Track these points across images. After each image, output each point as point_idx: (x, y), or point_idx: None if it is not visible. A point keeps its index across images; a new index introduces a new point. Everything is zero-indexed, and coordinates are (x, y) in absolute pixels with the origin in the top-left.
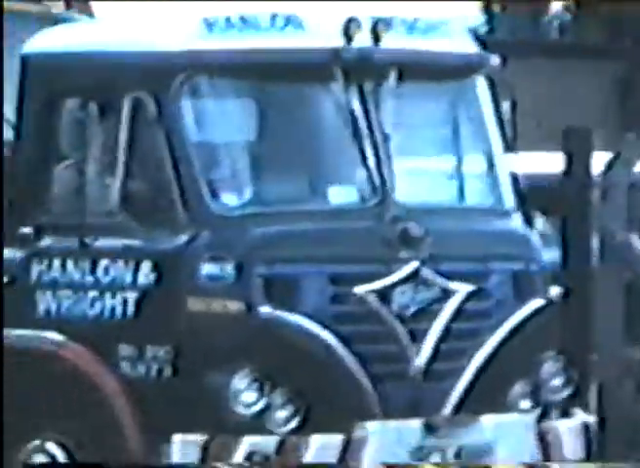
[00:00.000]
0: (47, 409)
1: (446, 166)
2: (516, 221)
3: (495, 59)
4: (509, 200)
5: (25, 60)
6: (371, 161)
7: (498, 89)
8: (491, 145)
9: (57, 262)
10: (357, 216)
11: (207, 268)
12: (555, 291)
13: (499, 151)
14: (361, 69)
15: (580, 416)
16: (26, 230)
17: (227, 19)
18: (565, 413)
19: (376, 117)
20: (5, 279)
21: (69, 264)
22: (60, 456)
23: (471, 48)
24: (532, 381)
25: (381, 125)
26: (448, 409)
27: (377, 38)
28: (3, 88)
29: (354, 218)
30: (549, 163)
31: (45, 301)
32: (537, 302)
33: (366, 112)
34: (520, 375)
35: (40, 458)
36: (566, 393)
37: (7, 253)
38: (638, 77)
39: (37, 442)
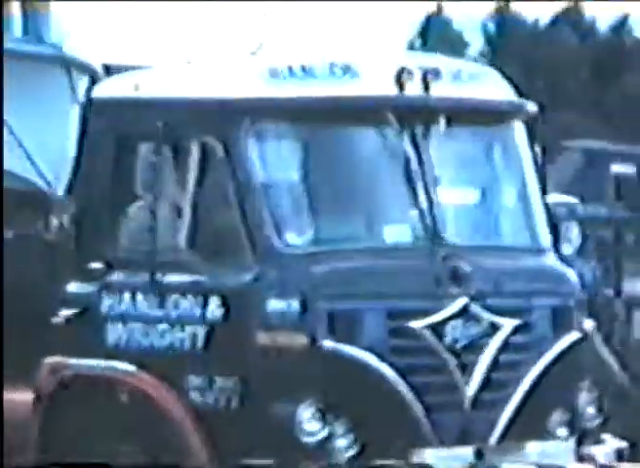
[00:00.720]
0: (117, 436)
1: (487, 206)
2: (552, 259)
3: (531, 106)
4: (545, 239)
5: (97, 104)
6: (422, 202)
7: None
8: (527, 186)
9: (127, 296)
10: (410, 255)
11: (273, 304)
12: (589, 324)
13: (535, 192)
14: (413, 115)
15: (612, 443)
16: (97, 265)
17: (289, 68)
18: (597, 441)
19: (426, 160)
20: (75, 310)
21: (139, 298)
22: None
23: (510, 95)
24: (569, 410)
25: (432, 167)
26: (495, 437)
27: (426, 86)
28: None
29: (408, 257)
30: None
31: (115, 333)
32: (573, 335)
33: (417, 155)
34: (558, 404)
35: None
36: (598, 421)
37: (77, 286)
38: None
39: None
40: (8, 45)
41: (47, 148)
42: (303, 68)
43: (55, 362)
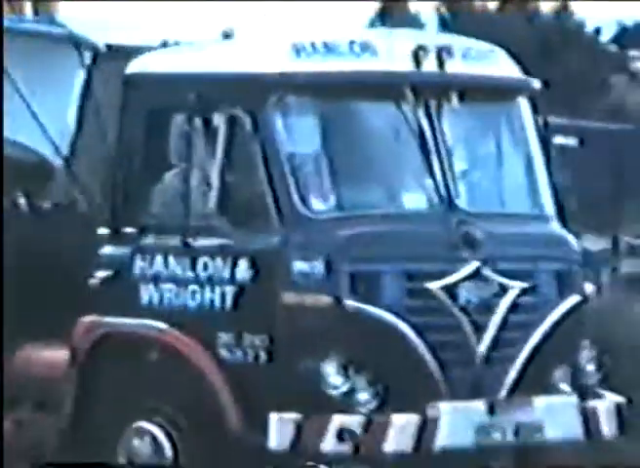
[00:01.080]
0: (149, 391)
1: (496, 176)
2: (555, 226)
3: (536, 83)
4: (549, 207)
5: (131, 80)
6: (437, 171)
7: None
8: (533, 158)
9: (159, 259)
10: (426, 221)
11: (299, 266)
12: (589, 287)
13: (539, 163)
14: (428, 91)
15: (611, 397)
16: (130, 230)
17: (312, 45)
18: (597, 395)
19: (440, 133)
20: (108, 272)
21: (171, 261)
22: (162, 437)
23: (516, 72)
24: (571, 367)
25: (445, 140)
26: (504, 392)
27: (441, 64)
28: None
29: (424, 222)
30: None
31: (147, 293)
32: (575, 298)
33: (432, 128)
34: (561, 362)
35: (142, 440)
36: (598, 377)
37: (110, 249)
38: None
39: (140, 423)
40: (25, 25)
41: (60, 121)
42: (325, 45)
43: (90, 321)
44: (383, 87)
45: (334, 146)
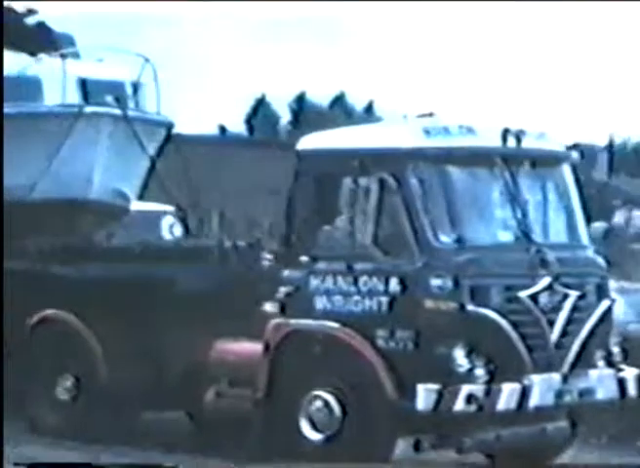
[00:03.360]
0: (323, 370)
1: (554, 218)
2: (591, 252)
3: (575, 154)
4: (585, 239)
5: (303, 153)
6: (519, 216)
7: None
8: (574, 207)
9: (329, 278)
10: (515, 249)
11: (434, 282)
12: (615, 295)
13: (579, 211)
14: (510, 160)
15: (631, 370)
16: (304, 258)
17: (435, 128)
18: (621, 369)
19: (519, 188)
20: (290, 289)
21: (339, 279)
22: (333, 402)
23: (561, 147)
24: (604, 349)
25: (522, 193)
26: (567, 367)
27: (518, 141)
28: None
29: (513, 251)
30: None
31: (321, 302)
32: (606, 302)
33: (514, 185)
34: (600, 346)
35: (318, 403)
36: (621, 356)
37: (290, 272)
38: None
39: (316, 392)
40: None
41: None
42: (445, 129)
43: (278, 322)
44: (482, 157)
45: (452, 198)
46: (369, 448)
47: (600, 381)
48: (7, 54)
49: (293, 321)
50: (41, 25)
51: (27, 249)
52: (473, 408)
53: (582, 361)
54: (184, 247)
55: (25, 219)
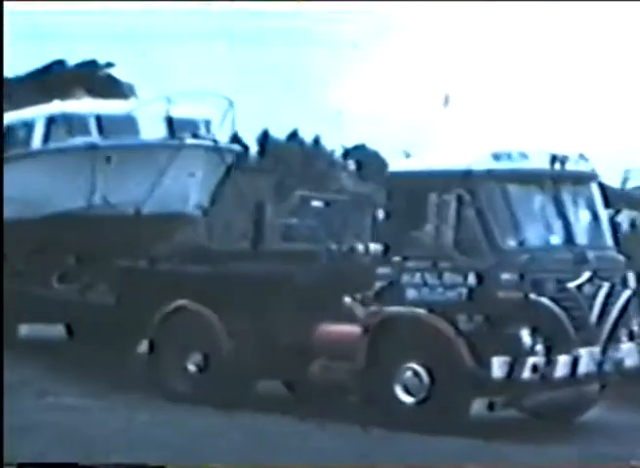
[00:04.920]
0: (414, 346)
1: (588, 226)
2: (615, 251)
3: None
4: (610, 241)
5: (395, 174)
6: (565, 224)
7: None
8: (600, 216)
9: (417, 274)
10: (563, 250)
11: (504, 276)
12: (634, 285)
13: (605, 219)
14: (557, 180)
15: None
16: (397, 258)
17: (501, 153)
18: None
19: (563, 203)
20: (384, 283)
21: (426, 275)
22: (423, 372)
23: (591, 167)
24: (627, 328)
25: (566, 206)
26: (603, 341)
27: (562, 164)
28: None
29: (562, 251)
30: None
31: (411, 294)
32: (629, 291)
33: (560, 200)
34: (624, 325)
35: (410, 373)
36: None
37: (384, 270)
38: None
39: (410, 364)
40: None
41: None
42: (507, 154)
43: (375, 309)
44: (535, 177)
45: (514, 209)
46: (451, 408)
47: (629, 353)
48: (88, 99)
49: (388, 308)
50: (110, 76)
51: (158, 253)
52: (537, 376)
53: (613, 337)
54: (299, 250)
55: (137, 229)
